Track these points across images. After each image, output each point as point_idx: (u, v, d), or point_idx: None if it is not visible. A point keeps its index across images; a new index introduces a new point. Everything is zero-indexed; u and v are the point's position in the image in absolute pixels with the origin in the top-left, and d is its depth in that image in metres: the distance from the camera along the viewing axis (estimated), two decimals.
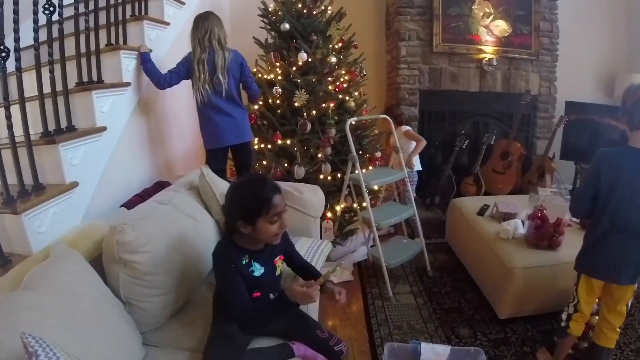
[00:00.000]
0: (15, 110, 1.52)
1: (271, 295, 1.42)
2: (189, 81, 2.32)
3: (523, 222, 2.39)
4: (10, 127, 1.48)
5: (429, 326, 2.23)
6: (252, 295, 1.36)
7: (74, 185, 1.70)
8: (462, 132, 3.81)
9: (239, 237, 1.35)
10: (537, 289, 2.11)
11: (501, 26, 3.79)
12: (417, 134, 3.21)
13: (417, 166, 3.30)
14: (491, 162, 3.86)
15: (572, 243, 1.94)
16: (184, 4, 2.82)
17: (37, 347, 0.83)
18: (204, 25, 2.23)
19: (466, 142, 3.73)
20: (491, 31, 3.78)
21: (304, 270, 1.60)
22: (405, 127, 3.22)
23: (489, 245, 2.37)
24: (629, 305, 1.67)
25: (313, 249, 1.99)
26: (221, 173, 2.30)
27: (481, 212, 2.74)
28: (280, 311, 1.33)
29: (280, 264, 1.48)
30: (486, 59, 3.77)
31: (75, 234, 1.54)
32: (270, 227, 1.30)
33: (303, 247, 1.97)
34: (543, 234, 2.19)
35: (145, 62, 2.19)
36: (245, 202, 1.30)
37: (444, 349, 1.55)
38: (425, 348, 1.55)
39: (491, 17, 3.76)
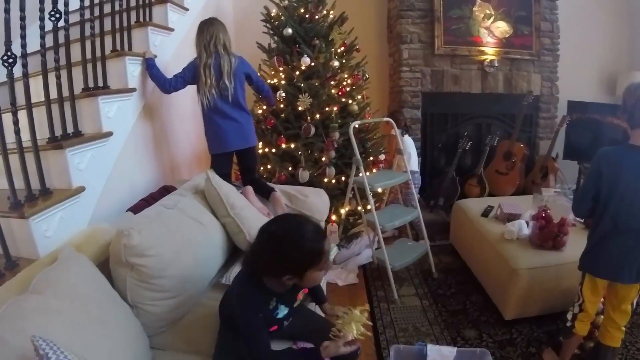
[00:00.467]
0: (22, 115, 1.53)
1: (285, 323, 1.36)
2: (194, 86, 2.34)
3: (527, 223, 2.39)
4: (17, 132, 1.49)
5: (434, 328, 2.23)
6: (269, 329, 1.29)
7: (81, 189, 1.71)
8: (465, 133, 3.82)
9: (269, 279, 1.24)
10: (542, 289, 2.11)
11: (502, 27, 3.80)
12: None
13: (414, 167, 3.28)
14: (494, 163, 3.86)
15: (576, 243, 1.94)
16: (187, 10, 2.85)
17: (48, 350, 0.84)
18: (209, 30, 2.25)
19: (469, 144, 3.73)
20: (492, 32, 3.79)
21: (316, 294, 1.58)
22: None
23: (493, 247, 2.37)
24: (634, 304, 1.67)
25: None
26: (226, 177, 2.31)
27: (485, 214, 2.74)
28: None
29: (302, 297, 1.42)
30: (488, 60, 3.77)
31: (82, 238, 1.55)
32: (318, 274, 1.23)
33: None
34: (547, 234, 2.18)
35: (150, 67, 2.22)
36: (295, 259, 1.18)
37: (450, 351, 1.56)
38: (432, 350, 1.56)
39: (492, 19, 3.77)
